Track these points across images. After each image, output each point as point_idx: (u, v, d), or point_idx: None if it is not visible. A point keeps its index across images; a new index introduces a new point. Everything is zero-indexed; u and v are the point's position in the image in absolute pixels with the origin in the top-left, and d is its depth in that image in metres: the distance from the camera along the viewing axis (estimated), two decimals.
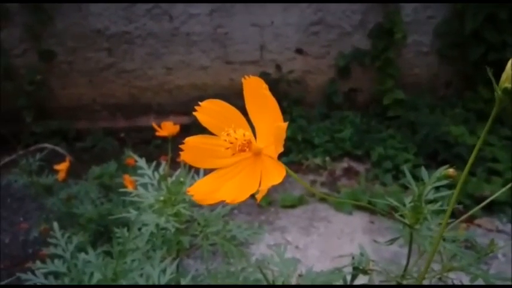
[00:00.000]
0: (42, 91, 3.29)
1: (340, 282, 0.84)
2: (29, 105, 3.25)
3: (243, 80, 0.52)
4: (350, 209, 2.64)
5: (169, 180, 1.08)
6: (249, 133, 0.53)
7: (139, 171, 1.12)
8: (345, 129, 3.27)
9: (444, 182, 0.74)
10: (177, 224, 0.99)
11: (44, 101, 3.37)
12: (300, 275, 1.00)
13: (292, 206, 2.69)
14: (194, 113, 0.56)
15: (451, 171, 0.71)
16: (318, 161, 3.11)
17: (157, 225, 0.98)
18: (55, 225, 1.03)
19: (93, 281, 0.91)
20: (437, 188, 0.76)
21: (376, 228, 2.51)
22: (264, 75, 3.30)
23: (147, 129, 3.27)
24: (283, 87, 3.39)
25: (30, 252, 2.32)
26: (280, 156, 0.51)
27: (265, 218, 2.62)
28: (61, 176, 1.92)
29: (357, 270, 0.81)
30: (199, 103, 0.55)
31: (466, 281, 0.80)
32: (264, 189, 0.48)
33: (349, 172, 3.07)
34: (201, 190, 0.54)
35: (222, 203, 1.13)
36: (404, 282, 0.76)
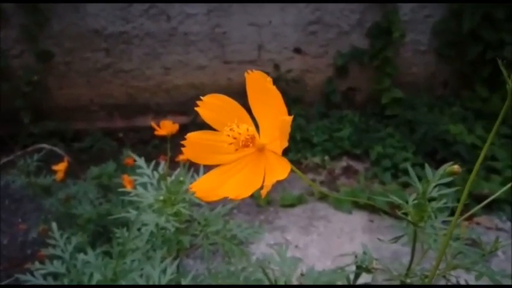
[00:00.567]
0: (39, 92, 3.27)
1: (343, 282, 0.83)
2: (27, 106, 3.23)
3: (246, 74, 0.51)
4: (349, 208, 2.63)
5: (169, 179, 1.07)
6: (252, 128, 0.52)
7: (138, 171, 1.11)
8: (343, 128, 3.27)
9: (447, 179, 0.74)
10: (177, 224, 0.98)
11: (42, 101, 3.36)
12: (301, 274, 0.99)
13: (292, 205, 2.69)
14: (196, 108, 0.55)
15: (455, 168, 0.71)
16: (317, 160, 3.10)
17: (157, 225, 0.97)
18: (54, 225, 1.02)
19: (93, 282, 0.90)
20: (437, 186, 0.75)
21: (375, 227, 2.50)
22: None
23: (145, 130, 3.27)
24: (282, 87, 3.38)
25: (29, 253, 2.30)
26: None
27: (264, 218, 2.61)
28: (59, 176, 1.92)
29: (360, 269, 0.81)
30: (201, 98, 0.54)
31: (468, 278, 0.79)
32: (268, 185, 0.47)
33: (348, 171, 3.06)
34: (204, 187, 0.53)
35: (222, 202, 1.13)
36: (408, 281, 0.75)
